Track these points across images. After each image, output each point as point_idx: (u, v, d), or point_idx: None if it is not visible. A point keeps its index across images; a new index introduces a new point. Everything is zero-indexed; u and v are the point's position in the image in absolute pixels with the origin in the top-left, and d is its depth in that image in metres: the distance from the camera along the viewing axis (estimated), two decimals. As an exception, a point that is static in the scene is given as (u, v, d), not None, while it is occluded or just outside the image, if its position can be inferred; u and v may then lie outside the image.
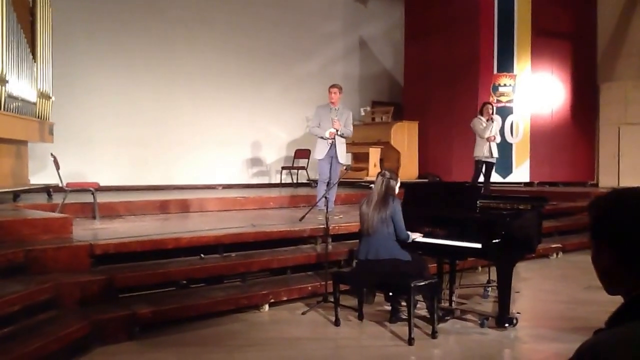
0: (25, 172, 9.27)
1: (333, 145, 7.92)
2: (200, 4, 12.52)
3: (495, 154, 10.26)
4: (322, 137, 7.93)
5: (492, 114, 10.35)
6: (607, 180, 13.68)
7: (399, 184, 5.32)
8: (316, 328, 5.18)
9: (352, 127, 8.21)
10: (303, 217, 7.38)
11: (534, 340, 4.94)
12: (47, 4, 9.42)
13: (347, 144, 12.93)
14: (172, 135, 11.96)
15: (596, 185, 13.90)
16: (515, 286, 6.02)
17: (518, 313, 5.26)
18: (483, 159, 10.30)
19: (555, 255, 8.69)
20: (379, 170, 11.99)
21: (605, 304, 1.57)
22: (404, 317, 5.08)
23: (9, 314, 4.19)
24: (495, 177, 12.79)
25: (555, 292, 6.63)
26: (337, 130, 7.89)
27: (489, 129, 10.08)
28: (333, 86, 8.09)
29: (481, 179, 10.33)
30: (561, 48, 13.63)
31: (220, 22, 12.76)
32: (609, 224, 1.35)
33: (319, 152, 8.02)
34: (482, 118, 10.28)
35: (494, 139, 10.19)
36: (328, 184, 7.76)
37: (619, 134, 13.70)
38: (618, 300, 1.34)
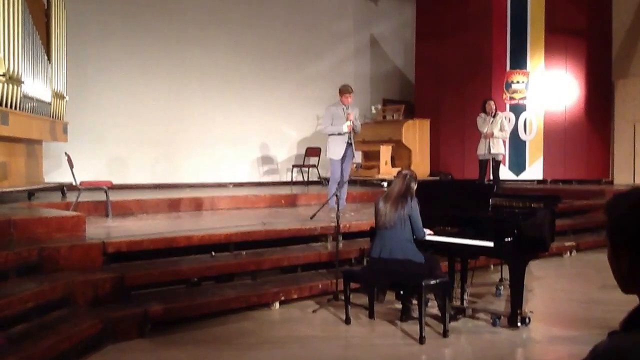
0: (40, 170, 9.35)
1: (350, 145, 7.95)
2: (212, 4, 12.54)
3: (496, 150, 10.19)
4: (339, 134, 7.94)
5: (496, 109, 10.28)
6: (622, 177, 13.53)
7: (416, 186, 5.29)
8: (327, 326, 5.17)
9: (359, 122, 8.25)
10: (314, 215, 7.38)
11: (547, 340, 4.90)
12: (62, 5, 9.50)
13: (358, 142, 13.03)
14: (184, 134, 12.02)
15: (611, 182, 13.75)
16: (529, 285, 5.98)
17: (531, 312, 5.22)
18: (481, 157, 10.29)
19: (569, 253, 8.61)
20: (390, 168, 12.05)
21: (620, 304, 1.55)
22: (415, 315, 5.05)
23: (22, 312, 4.23)
24: (508, 175, 12.75)
25: (569, 291, 6.57)
26: (352, 122, 7.91)
27: (486, 125, 10.12)
28: (349, 92, 8.07)
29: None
30: (575, 44, 13.49)
31: (232, 22, 12.79)
32: (630, 227, 1.32)
33: (336, 152, 8.02)
34: (482, 115, 10.29)
35: (491, 135, 10.12)
36: (339, 182, 7.76)
37: (634, 131, 13.55)
38: (634, 299, 1.31)
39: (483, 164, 10.34)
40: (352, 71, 14.53)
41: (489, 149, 10.16)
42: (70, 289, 4.77)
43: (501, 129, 10.26)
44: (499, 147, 10.26)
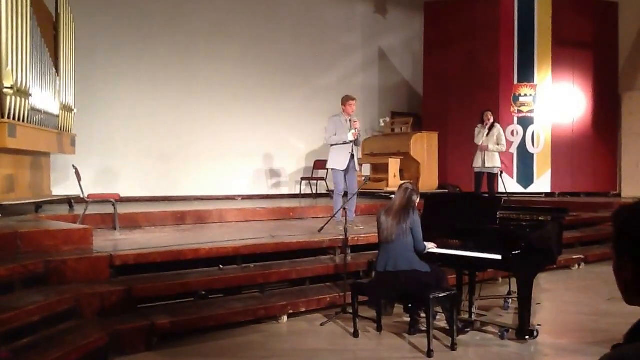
0: (48, 183, 9.39)
1: (352, 156, 7.90)
2: (220, 17, 12.62)
3: (491, 164, 10.06)
4: (344, 143, 7.87)
5: (492, 121, 10.16)
6: (629, 190, 13.47)
7: (418, 199, 5.28)
8: (335, 339, 5.15)
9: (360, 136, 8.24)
10: (322, 228, 7.37)
11: (555, 353, 4.86)
12: (70, 18, 9.58)
13: (366, 154, 13.07)
14: (192, 147, 12.06)
15: (619, 195, 13.71)
16: (537, 297, 5.95)
17: (539, 325, 5.18)
18: (476, 170, 10.21)
19: (577, 266, 8.57)
20: (398, 180, 12.02)
21: (628, 316, 1.54)
22: (423, 328, 5.04)
23: (29, 324, 4.22)
24: (516, 188, 12.71)
25: (577, 304, 6.53)
26: (357, 130, 7.87)
27: (480, 137, 10.06)
28: (353, 99, 8.06)
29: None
30: (582, 58, 13.51)
31: (241, 35, 12.86)
32: (632, 237, 1.32)
33: (339, 162, 7.92)
34: (479, 126, 10.22)
35: (486, 148, 10.02)
36: (346, 194, 7.73)
37: (641, 143, 13.51)
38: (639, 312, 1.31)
39: (479, 176, 10.24)
40: (361, 84, 14.56)
41: (484, 163, 10.08)
42: (77, 302, 4.77)
43: (498, 142, 10.11)
44: (495, 161, 10.10)
